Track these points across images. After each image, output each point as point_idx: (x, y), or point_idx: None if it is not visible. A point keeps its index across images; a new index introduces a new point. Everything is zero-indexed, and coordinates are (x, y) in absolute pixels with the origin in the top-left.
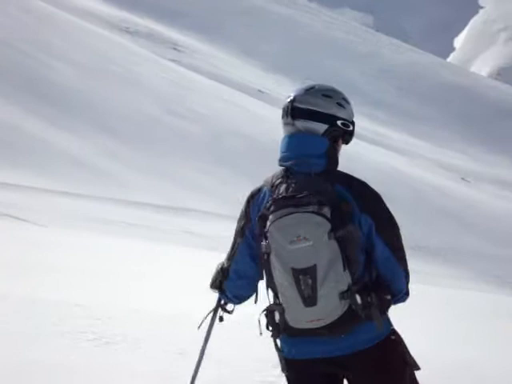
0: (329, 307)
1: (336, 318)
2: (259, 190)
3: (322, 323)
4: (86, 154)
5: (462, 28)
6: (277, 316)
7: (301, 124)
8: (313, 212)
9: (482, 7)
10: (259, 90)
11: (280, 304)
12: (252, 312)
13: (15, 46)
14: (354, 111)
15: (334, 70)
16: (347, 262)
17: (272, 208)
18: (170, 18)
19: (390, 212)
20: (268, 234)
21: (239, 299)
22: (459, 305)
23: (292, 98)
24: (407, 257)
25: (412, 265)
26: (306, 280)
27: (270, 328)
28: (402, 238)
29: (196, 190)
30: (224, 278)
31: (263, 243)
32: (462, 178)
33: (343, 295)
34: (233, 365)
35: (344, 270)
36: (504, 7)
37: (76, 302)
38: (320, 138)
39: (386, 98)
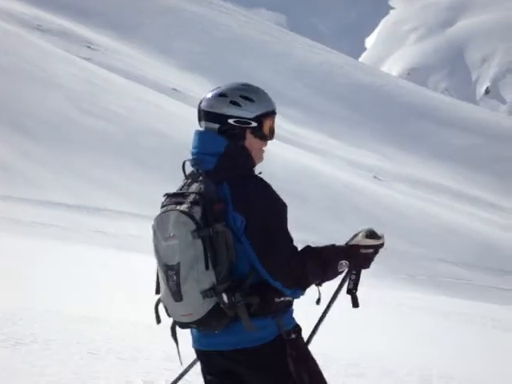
0: (193, 304)
1: (203, 314)
2: None
3: (192, 318)
4: None
5: (373, 28)
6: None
7: (203, 125)
8: (181, 211)
9: (392, 8)
10: (174, 89)
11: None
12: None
13: None
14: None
15: (249, 69)
16: (213, 262)
17: (162, 203)
18: (84, 16)
19: (269, 218)
20: (152, 229)
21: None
22: (373, 302)
23: (201, 100)
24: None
25: None
26: (172, 276)
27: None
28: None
29: (109, 190)
30: None
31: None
32: (375, 177)
33: (206, 293)
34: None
35: (207, 269)
36: (414, 8)
37: None
38: (216, 137)
39: (299, 97)
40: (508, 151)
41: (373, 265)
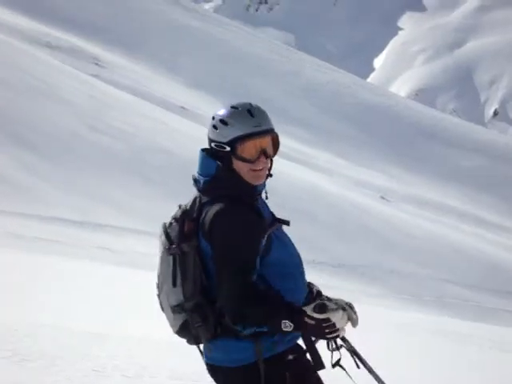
0: (168, 316)
1: (177, 328)
2: None
3: (173, 329)
4: (3, 168)
5: (382, 49)
6: None
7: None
8: (163, 227)
9: (401, 28)
10: (182, 107)
11: None
12: None
13: None
14: (276, 129)
15: (256, 87)
16: (182, 279)
17: None
18: (92, 33)
19: (223, 242)
20: None
21: None
22: (376, 322)
23: None
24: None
25: (332, 282)
26: (156, 287)
27: None
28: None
29: (114, 206)
30: None
31: None
32: (382, 197)
33: (175, 309)
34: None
35: (174, 286)
36: (422, 29)
37: None
38: (207, 160)
39: (306, 116)
40: None
41: (378, 285)
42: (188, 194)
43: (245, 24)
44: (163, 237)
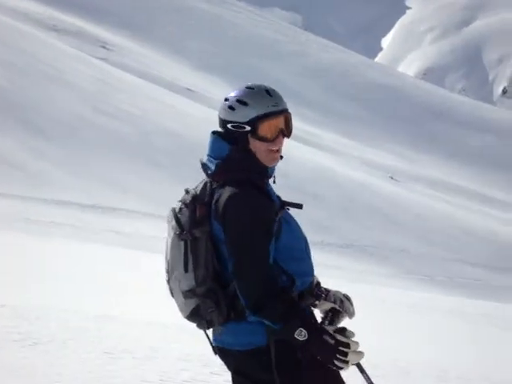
0: (179, 301)
1: (188, 312)
2: None
3: (183, 314)
4: (13, 153)
5: (390, 28)
6: None
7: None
8: (173, 212)
9: (408, 8)
10: (188, 89)
11: None
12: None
13: None
14: None
15: (263, 68)
16: (194, 264)
17: None
18: (99, 16)
19: (240, 228)
20: None
21: None
22: (389, 302)
23: None
24: (335, 254)
25: (341, 262)
26: (166, 272)
27: None
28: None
29: (123, 190)
30: None
31: None
32: (391, 177)
33: (186, 295)
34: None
35: (186, 271)
36: (430, 8)
37: (2, 302)
38: (220, 141)
39: (314, 97)
40: None
41: (388, 265)
42: (196, 177)
43: (251, 5)
44: (173, 222)
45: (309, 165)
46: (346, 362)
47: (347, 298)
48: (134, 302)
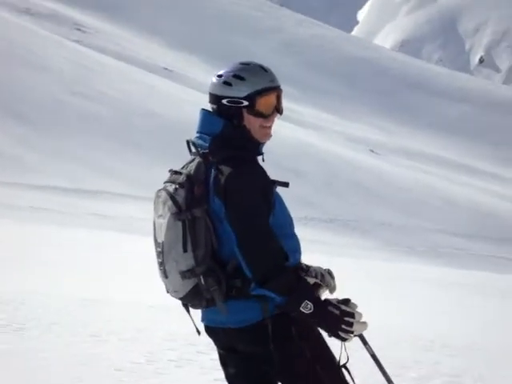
0: (175, 282)
1: (186, 292)
2: None
3: (179, 295)
4: None
5: (365, 1)
6: None
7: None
8: (168, 192)
9: None
10: (165, 68)
11: None
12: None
13: None
14: None
15: (240, 45)
16: (193, 244)
17: (165, 180)
18: None
19: (244, 201)
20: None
21: None
22: (374, 274)
23: None
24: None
25: (325, 237)
26: (159, 253)
27: None
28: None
29: (105, 172)
30: None
31: None
32: (371, 150)
33: (184, 275)
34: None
35: (185, 251)
36: None
37: None
38: (213, 117)
39: (291, 72)
40: (504, 120)
41: (371, 238)
42: (177, 156)
43: None
44: (169, 202)
45: (290, 141)
46: (351, 332)
47: (329, 272)
48: (118, 285)
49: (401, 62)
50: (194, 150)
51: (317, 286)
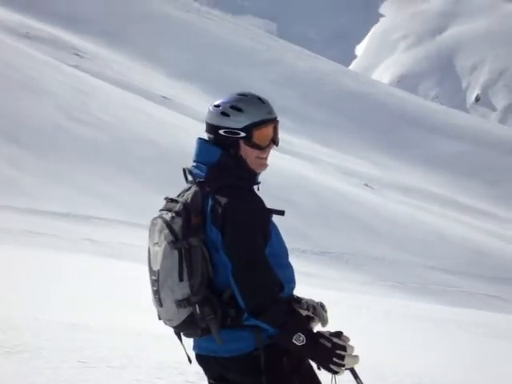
0: (170, 311)
1: (180, 321)
2: None
3: (173, 324)
4: None
5: (364, 36)
6: None
7: (206, 135)
8: (164, 220)
9: (382, 15)
10: (163, 97)
11: None
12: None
13: None
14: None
15: (238, 76)
16: (189, 273)
17: (161, 207)
18: (72, 23)
19: (242, 231)
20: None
21: None
22: (363, 309)
23: None
24: (306, 262)
25: (316, 270)
26: (154, 282)
27: None
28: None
29: (99, 198)
30: None
31: None
32: (366, 184)
33: (179, 304)
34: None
35: (181, 280)
36: (404, 16)
37: None
38: (210, 147)
39: (289, 104)
40: (499, 159)
41: (363, 272)
42: (172, 184)
43: (226, 12)
44: (166, 231)
45: (284, 172)
46: (343, 366)
47: (321, 305)
48: (108, 311)
49: (398, 97)
50: (190, 178)
51: (309, 319)
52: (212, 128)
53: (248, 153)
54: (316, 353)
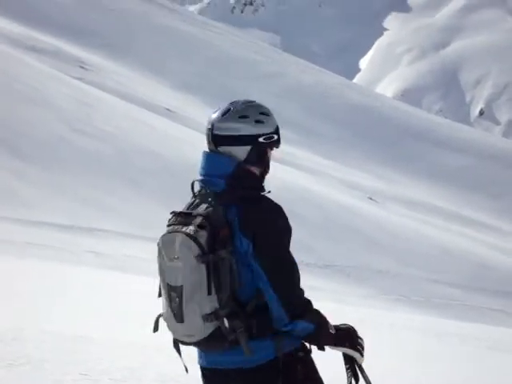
0: (194, 326)
1: (205, 336)
2: None
3: (192, 339)
4: None
5: (368, 49)
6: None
7: (224, 149)
8: (187, 234)
9: (386, 29)
10: (167, 109)
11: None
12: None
13: None
14: None
15: (242, 89)
16: (217, 287)
17: (169, 222)
18: (77, 36)
19: (277, 238)
20: (157, 247)
21: None
22: (367, 322)
23: (210, 125)
24: (312, 276)
25: (320, 283)
26: (174, 298)
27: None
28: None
29: (102, 210)
30: None
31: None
32: (369, 198)
33: (207, 318)
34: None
35: (209, 293)
36: (408, 29)
37: None
38: (226, 159)
39: (293, 117)
40: (503, 172)
41: (367, 285)
42: (175, 196)
43: (230, 26)
44: (192, 244)
45: (288, 185)
46: (363, 349)
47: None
48: (110, 323)
49: (402, 111)
50: (203, 191)
51: None
52: (249, 139)
53: (270, 156)
54: (346, 336)
